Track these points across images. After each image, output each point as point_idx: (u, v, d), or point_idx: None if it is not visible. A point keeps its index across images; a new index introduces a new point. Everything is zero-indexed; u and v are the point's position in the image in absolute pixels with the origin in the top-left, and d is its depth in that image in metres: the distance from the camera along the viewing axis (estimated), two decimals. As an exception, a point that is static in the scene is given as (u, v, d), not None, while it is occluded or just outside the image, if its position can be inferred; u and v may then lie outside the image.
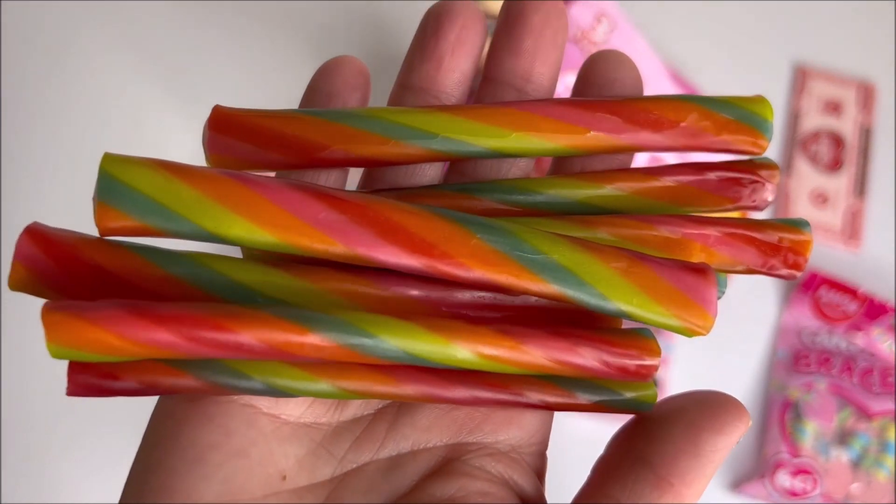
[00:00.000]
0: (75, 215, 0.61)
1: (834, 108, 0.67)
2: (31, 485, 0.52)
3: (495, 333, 0.16)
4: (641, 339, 0.17)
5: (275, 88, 0.66)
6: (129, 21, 0.68)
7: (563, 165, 0.20)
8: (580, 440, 0.55)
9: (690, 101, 0.18)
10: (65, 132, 0.64)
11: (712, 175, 0.19)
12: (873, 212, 0.63)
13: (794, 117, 0.67)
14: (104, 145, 0.63)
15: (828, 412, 0.54)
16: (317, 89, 0.19)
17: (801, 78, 0.68)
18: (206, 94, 0.65)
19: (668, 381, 0.51)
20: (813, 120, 0.66)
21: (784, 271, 0.18)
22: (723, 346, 0.58)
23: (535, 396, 0.17)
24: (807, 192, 0.63)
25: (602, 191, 0.18)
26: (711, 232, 0.18)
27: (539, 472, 0.20)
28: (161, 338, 0.15)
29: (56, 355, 0.15)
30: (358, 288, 0.16)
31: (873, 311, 0.56)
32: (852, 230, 0.62)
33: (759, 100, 0.19)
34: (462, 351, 0.16)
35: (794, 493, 0.51)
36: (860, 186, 0.64)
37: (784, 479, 0.51)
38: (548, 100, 0.18)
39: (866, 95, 0.67)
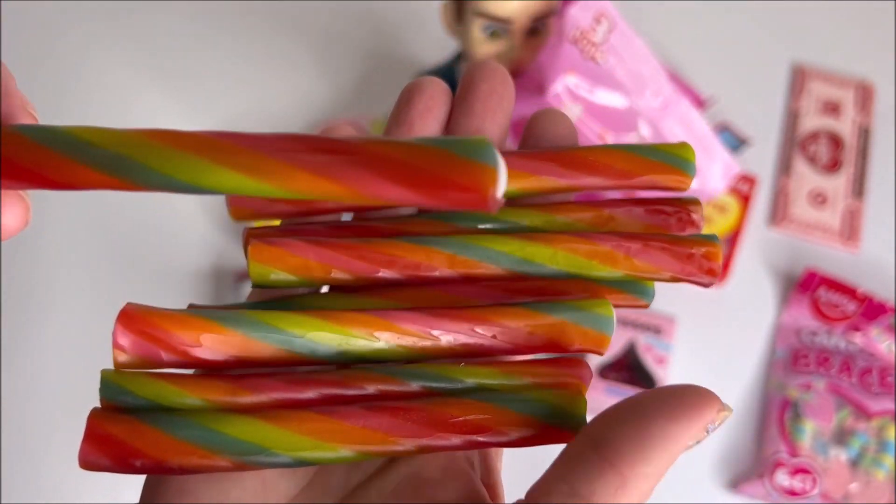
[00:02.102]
0: (76, 218, 0.61)
1: (832, 108, 0.67)
2: (30, 486, 0.53)
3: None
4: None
5: (277, 90, 0.66)
6: (132, 25, 0.69)
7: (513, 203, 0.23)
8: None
9: (621, 149, 0.21)
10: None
11: (641, 209, 0.22)
12: (872, 212, 0.63)
13: (792, 118, 0.67)
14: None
15: (826, 412, 0.54)
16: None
17: (799, 78, 0.68)
18: (209, 96, 0.66)
19: (666, 381, 0.51)
20: (812, 120, 0.66)
21: (703, 278, 0.21)
22: (722, 345, 0.58)
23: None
24: (805, 192, 0.63)
25: (552, 219, 0.22)
26: (633, 245, 0.20)
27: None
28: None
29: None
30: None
31: (872, 310, 0.57)
32: (851, 230, 0.62)
33: (683, 145, 0.22)
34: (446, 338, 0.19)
35: (793, 493, 0.51)
36: (859, 187, 0.64)
37: (783, 478, 0.51)
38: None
39: (865, 96, 0.67)
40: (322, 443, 0.17)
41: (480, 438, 0.18)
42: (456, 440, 0.18)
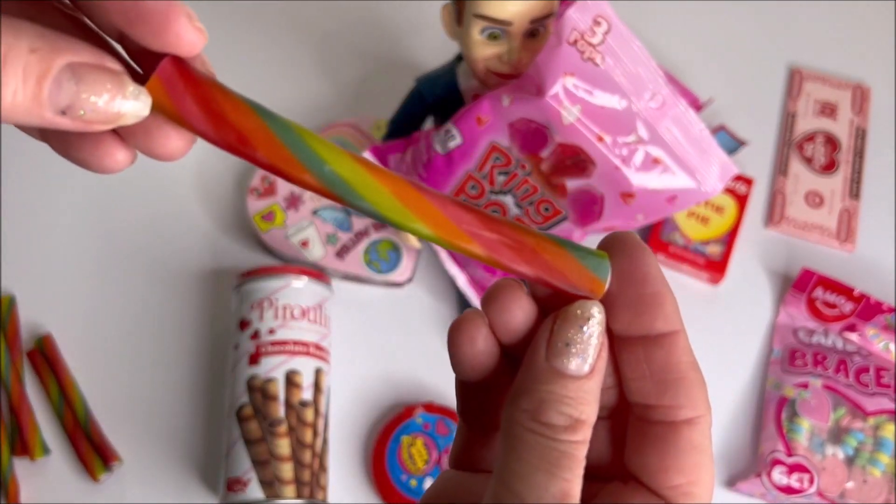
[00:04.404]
0: (79, 219, 0.61)
1: (829, 110, 0.67)
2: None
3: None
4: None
5: (278, 91, 0.67)
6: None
7: None
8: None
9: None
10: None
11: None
12: (868, 212, 0.64)
13: (789, 119, 0.67)
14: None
15: (823, 410, 0.55)
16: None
17: (796, 80, 0.69)
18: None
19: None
20: (808, 122, 0.67)
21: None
22: (719, 344, 0.59)
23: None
24: (802, 193, 0.64)
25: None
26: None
27: None
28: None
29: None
30: None
31: (868, 310, 0.57)
32: (847, 231, 0.63)
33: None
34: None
35: (789, 491, 0.51)
36: (855, 187, 0.64)
37: (780, 476, 0.52)
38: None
39: (861, 98, 0.68)
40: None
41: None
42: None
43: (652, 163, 0.46)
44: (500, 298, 0.21)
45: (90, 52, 0.17)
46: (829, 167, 0.65)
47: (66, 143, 0.19)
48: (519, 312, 0.21)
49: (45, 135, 0.20)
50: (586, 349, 0.20)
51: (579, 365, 0.20)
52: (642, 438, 0.21)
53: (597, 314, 0.20)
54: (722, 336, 0.59)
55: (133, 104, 0.18)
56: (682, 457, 0.20)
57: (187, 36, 0.19)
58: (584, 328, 0.20)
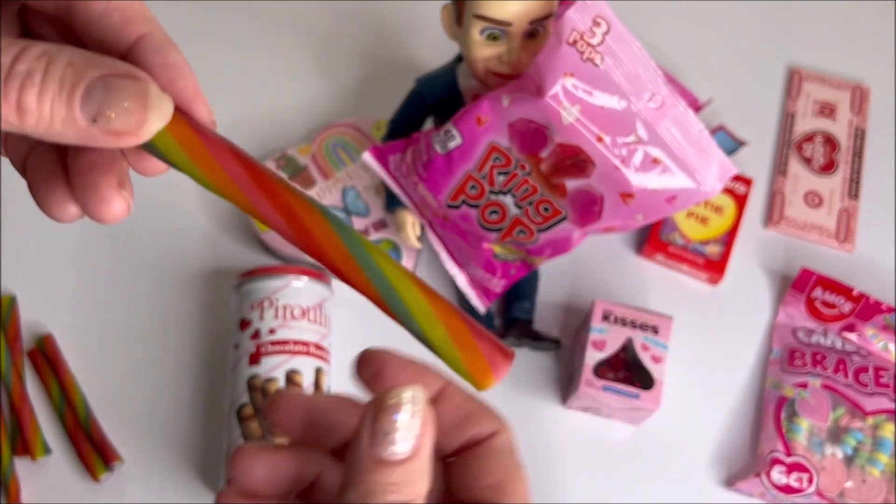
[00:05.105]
0: (81, 220, 0.61)
1: (828, 110, 0.68)
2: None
3: None
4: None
5: (279, 92, 0.67)
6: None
7: None
8: (580, 439, 0.56)
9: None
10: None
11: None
12: (867, 212, 0.64)
13: (788, 119, 0.67)
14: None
15: (822, 410, 0.55)
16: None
17: (795, 80, 0.69)
18: (210, 99, 0.66)
19: (663, 379, 0.51)
20: (807, 122, 0.67)
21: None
22: (718, 344, 0.59)
23: None
24: (801, 193, 0.64)
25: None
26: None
27: None
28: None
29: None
30: None
31: (867, 310, 0.57)
32: (846, 231, 0.63)
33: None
34: None
35: (789, 490, 0.52)
36: (854, 188, 0.64)
37: (779, 476, 0.52)
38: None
39: (860, 98, 0.68)
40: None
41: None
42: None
43: (651, 163, 0.46)
44: (238, 461, 0.23)
45: (124, 66, 0.19)
46: (829, 167, 0.65)
47: (53, 182, 0.21)
48: (259, 469, 0.23)
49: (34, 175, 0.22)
50: (406, 434, 0.20)
51: (401, 450, 0.20)
52: (455, 468, 0.23)
53: (410, 399, 0.20)
54: (721, 336, 0.59)
55: (158, 106, 0.19)
56: (489, 461, 0.22)
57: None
58: (400, 414, 0.20)
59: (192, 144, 0.20)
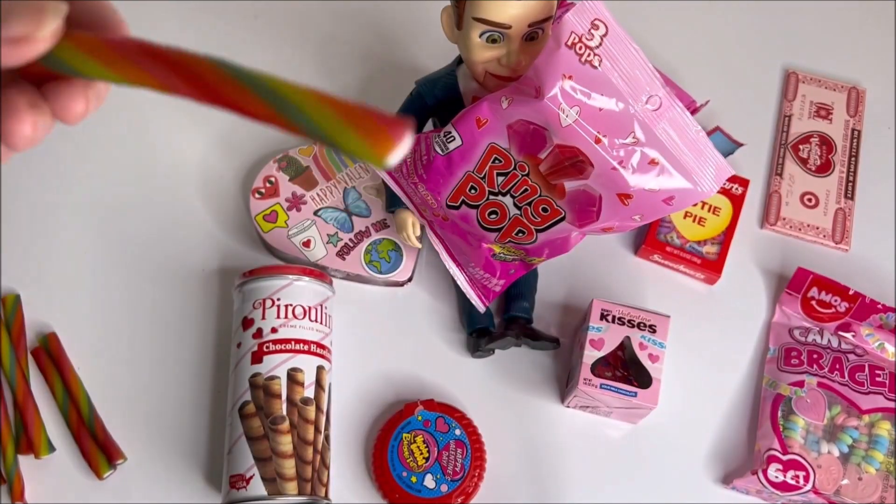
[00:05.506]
0: (83, 220, 0.61)
1: (824, 111, 0.68)
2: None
3: None
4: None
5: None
6: (130, 28, 0.69)
7: None
8: (578, 438, 0.56)
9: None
10: (68, 130, 0.65)
11: None
12: (862, 213, 0.64)
13: (784, 121, 0.68)
14: (109, 142, 0.64)
15: (818, 408, 0.55)
16: None
17: (792, 82, 0.70)
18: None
19: (661, 378, 0.52)
20: (803, 123, 0.68)
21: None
22: (715, 343, 0.59)
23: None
24: (797, 193, 0.64)
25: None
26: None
27: None
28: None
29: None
30: None
31: (863, 310, 0.58)
32: (842, 231, 0.63)
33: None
34: None
35: (785, 488, 0.52)
36: (850, 188, 0.65)
37: (775, 473, 0.52)
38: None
39: (856, 99, 0.69)
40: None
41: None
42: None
43: (649, 164, 0.46)
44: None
45: None
46: (824, 168, 0.66)
47: None
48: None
49: None
50: None
51: None
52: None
53: None
54: (718, 335, 0.60)
55: (53, 8, 0.20)
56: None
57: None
58: None
59: (96, 48, 0.21)
